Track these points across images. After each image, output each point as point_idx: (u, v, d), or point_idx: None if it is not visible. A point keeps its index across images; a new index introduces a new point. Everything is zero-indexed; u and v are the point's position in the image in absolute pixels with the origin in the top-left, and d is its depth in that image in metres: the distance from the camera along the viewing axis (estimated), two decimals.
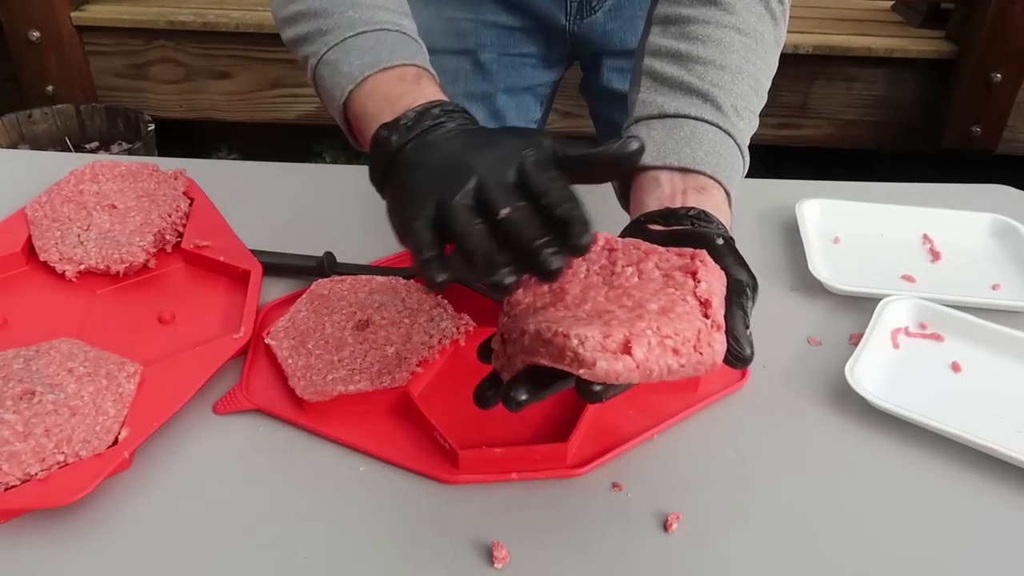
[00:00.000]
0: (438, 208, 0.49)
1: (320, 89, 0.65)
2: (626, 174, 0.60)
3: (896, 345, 0.66)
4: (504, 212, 0.47)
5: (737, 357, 0.48)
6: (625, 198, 0.62)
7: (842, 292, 0.71)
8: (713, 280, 0.48)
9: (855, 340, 0.66)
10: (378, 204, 0.83)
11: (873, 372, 0.63)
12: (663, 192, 0.57)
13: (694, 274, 0.47)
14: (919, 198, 0.84)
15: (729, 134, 0.60)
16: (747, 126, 0.62)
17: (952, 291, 0.72)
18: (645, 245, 0.51)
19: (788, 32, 0.69)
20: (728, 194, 0.59)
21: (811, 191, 0.85)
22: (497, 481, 0.54)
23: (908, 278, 0.74)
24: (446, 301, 0.65)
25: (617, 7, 0.90)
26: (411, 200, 0.52)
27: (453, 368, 0.62)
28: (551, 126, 1.10)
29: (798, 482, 0.55)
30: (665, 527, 0.52)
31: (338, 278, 0.68)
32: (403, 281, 0.68)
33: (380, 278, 0.68)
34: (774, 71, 0.66)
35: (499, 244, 0.47)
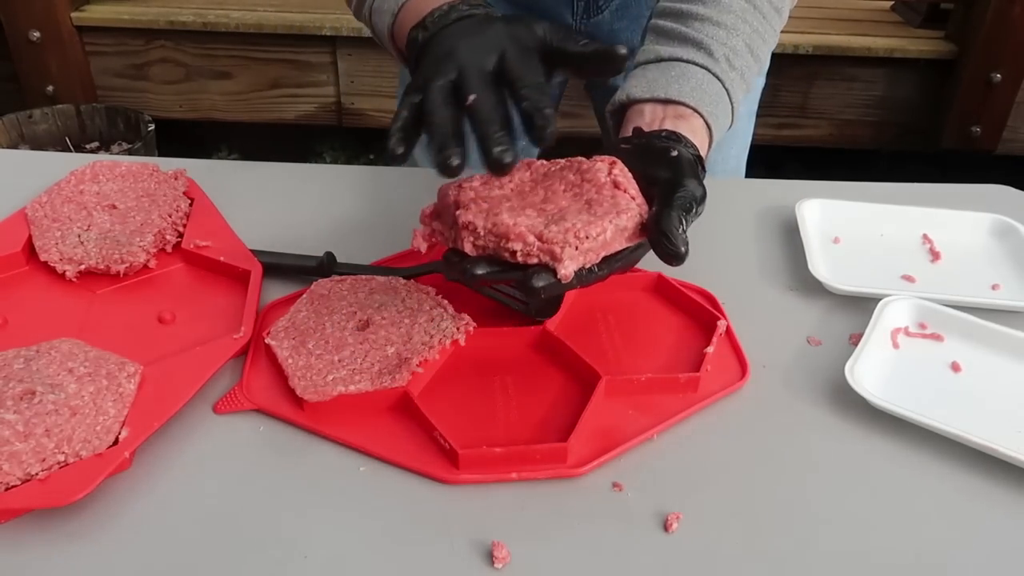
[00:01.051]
0: (421, 91, 0.53)
1: (377, 36, 0.71)
2: (611, 75, 0.59)
3: (896, 345, 0.66)
4: (471, 99, 0.50)
5: (669, 253, 0.52)
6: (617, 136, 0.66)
7: (842, 292, 0.71)
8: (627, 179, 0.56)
9: (855, 340, 0.66)
10: (378, 204, 0.83)
11: (873, 372, 0.63)
12: (643, 120, 0.62)
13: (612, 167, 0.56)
14: (919, 198, 0.84)
15: (718, 78, 0.63)
16: (738, 78, 0.65)
17: (952, 291, 0.72)
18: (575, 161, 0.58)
19: (788, 32, 0.71)
20: (709, 126, 0.62)
21: (811, 191, 0.85)
22: (497, 481, 0.54)
23: (908, 278, 0.74)
24: (446, 301, 0.65)
25: (624, 6, 0.90)
26: (408, 85, 0.56)
27: (453, 368, 0.62)
28: None
29: (798, 482, 0.55)
30: (665, 527, 0.52)
31: (338, 278, 0.69)
32: (403, 281, 0.68)
33: (380, 278, 0.68)
34: (773, 37, 0.68)
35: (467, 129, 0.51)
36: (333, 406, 0.58)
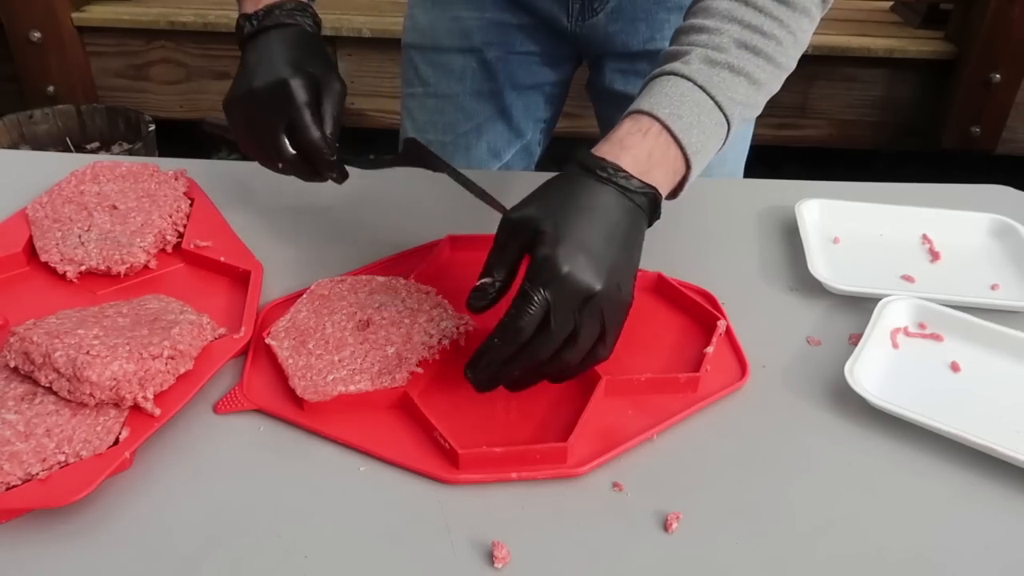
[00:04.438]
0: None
1: None
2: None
3: (895, 345, 0.66)
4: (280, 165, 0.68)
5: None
6: None
7: (841, 292, 0.71)
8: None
9: (854, 340, 0.66)
10: (378, 204, 0.83)
11: (872, 372, 0.63)
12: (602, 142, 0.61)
13: None
14: (918, 198, 0.84)
15: (687, 78, 0.61)
16: (725, 72, 0.62)
17: (951, 291, 0.72)
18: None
19: None
20: (668, 126, 0.59)
21: (811, 191, 0.85)
22: (497, 481, 0.54)
23: (907, 278, 0.74)
24: (446, 301, 0.65)
25: (619, 9, 0.90)
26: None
27: (453, 368, 0.62)
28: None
29: (798, 482, 0.55)
30: (665, 527, 0.52)
31: (338, 278, 0.69)
32: (403, 281, 0.68)
33: (380, 278, 0.68)
34: (781, 29, 0.64)
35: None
36: (333, 406, 0.58)
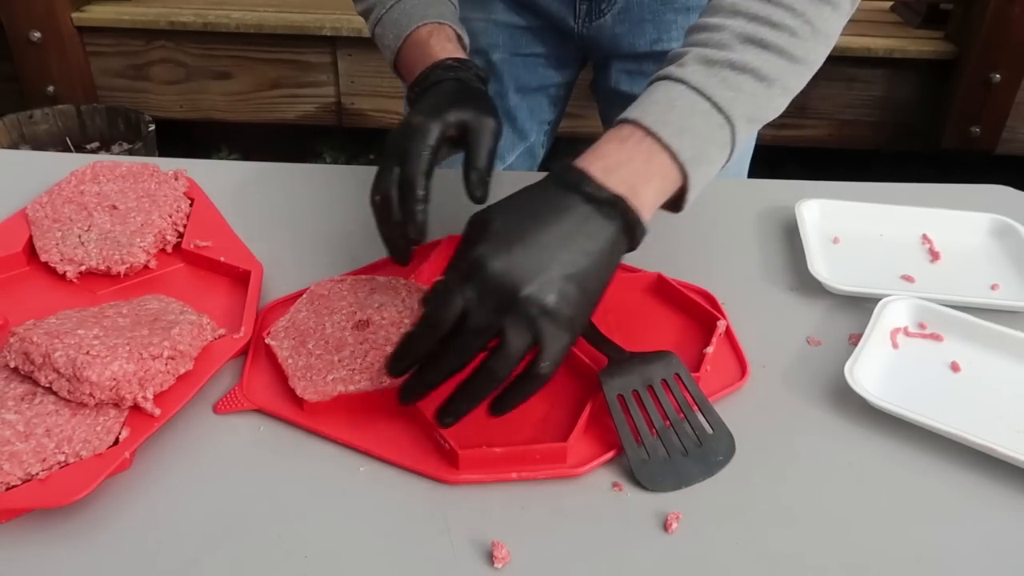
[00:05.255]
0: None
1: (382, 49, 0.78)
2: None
3: (895, 345, 0.66)
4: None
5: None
6: None
7: (841, 292, 0.71)
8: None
9: (854, 340, 0.66)
10: None
11: (872, 372, 0.63)
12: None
13: None
14: (918, 198, 0.84)
15: (681, 80, 0.58)
16: (727, 71, 0.58)
17: (951, 291, 0.72)
18: None
19: None
20: (654, 133, 0.56)
21: (811, 191, 0.85)
22: (497, 481, 0.54)
23: (907, 278, 0.74)
24: None
25: (626, 10, 0.90)
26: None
27: None
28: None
29: (797, 482, 0.55)
30: (665, 527, 0.52)
31: (338, 278, 0.69)
32: (403, 281, 0.68)
33: (381, 278, 0.68)
34: (794, 19, 0.59)
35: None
36: (333, 406, 0.58)
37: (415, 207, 0.62)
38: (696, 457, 0.56)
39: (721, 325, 0.66)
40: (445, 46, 0.71)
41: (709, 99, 0.57)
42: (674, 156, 0.56)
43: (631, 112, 0.58)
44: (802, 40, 0.59)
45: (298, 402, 0.58)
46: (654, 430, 0.57)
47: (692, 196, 0.59)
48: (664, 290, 0.71)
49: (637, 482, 0.54)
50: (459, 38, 0.74)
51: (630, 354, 0.60)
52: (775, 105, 0.61)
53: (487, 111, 0.66)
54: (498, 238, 0.51)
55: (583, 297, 0.52)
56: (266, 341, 0.63)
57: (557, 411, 0.59)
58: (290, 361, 0.61)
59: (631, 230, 0.54)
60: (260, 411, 0.59)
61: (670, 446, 0.56)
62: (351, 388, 0.58)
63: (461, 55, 0.71)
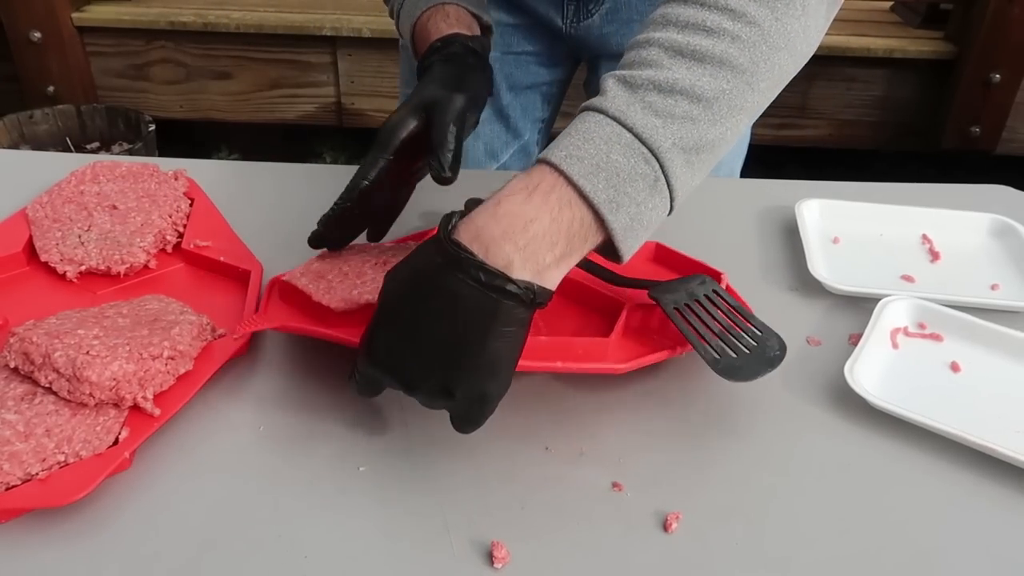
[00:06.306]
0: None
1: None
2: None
3: (895, 345, 0.66)
4: None
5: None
6: None
7: (841, 292, 0.71)
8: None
9: (854, 340, 0.66)
10: None
11: (872, 372, 0.63)
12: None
13: None
14: (918, 198, 0.84)
15: (599, 110, 0.51)
16: (650, 92, 0.50)
17: (951, 291, 0.72)
18: None
19: None
20: (562, 170, 0.49)
21: (810, 191, 0.85)
22: (542, 370, 0.55)
23: (907, 278, 0.74)
24: None
25: (614, 11, 0.90)
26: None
27: None
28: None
29: (797, 482, 0.55)
30: (665, 527, 0.52)
31: (347, 248, 0.70)
32: (414, 244, 0.67)
33: (389, 243, 0.70)
34: (734, 21, 0.51)
35: None
36: (360, 317, 0.56)
37: (337, 203, 0.65)
38: (756, 354, 0.59)
39: (725, 277, 0.66)
40: (439, 26, 0.70)
41: (630, 129, 0.49)
42: (587, 199, 0.48)
43: (547, 150, 0.50)
44: (747, 46, 0.51)
45: (322, 319, 0.58)
46: (714, 334, 0.60)
47: (624, 246, 0.50)
48: (664, 258, 0.72)
49: (716, 377, 0.57)
50: (460, 12, 0.72)
51: (668, 280, 0.63)
52: (723, 128, 0.52)
53: (454, 87, 0.65)
54: (387, 342, 0.50)
55: (487, 375, 0.49)
56: (283, 279, 0.63)
57: (595, 318, 0.63)
58: (311, 287, 0.61)
59: (529, 304, 0.48)
60: (282, 330, 0.60)
61: (732, 346, 0.59)
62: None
63: (455, 31, 0.70)
